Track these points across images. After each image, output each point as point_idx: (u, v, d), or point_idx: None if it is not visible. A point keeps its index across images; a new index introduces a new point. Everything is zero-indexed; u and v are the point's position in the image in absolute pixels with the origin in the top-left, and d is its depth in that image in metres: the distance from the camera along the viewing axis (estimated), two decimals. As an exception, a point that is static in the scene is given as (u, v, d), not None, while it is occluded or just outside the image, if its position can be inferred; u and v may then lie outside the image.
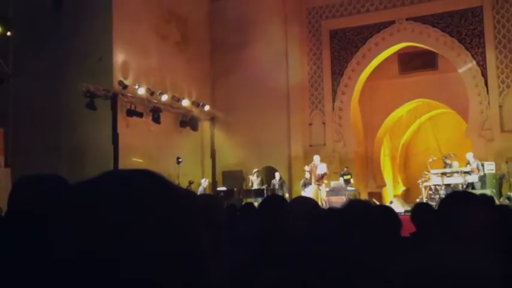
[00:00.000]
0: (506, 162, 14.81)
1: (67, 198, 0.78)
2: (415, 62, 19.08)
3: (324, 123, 18.43)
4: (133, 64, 16.51)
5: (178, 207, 0.79)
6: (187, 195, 0.83)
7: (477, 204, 2.54)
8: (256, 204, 8.05)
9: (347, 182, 16.08)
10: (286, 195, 15.17)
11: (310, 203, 3.25)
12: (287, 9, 19.04)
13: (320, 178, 15.23)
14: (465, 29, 16.74)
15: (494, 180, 14.29)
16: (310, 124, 18.64)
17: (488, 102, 16.23)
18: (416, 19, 17.34)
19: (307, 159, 17.02)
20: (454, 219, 2.50)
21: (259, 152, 18.32)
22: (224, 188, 16.98)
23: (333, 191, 15.42)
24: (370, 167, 19.40)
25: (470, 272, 1.09)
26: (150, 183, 0.79)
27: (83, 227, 0.73)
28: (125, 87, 15.85)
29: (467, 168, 14.34)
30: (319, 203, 13.65)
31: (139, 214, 0.74)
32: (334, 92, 18.38)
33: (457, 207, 2.52)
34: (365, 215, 3.12)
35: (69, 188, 0.81)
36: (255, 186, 16.59)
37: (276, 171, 17.28)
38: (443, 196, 13.66)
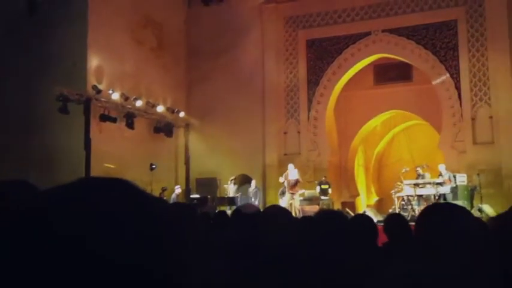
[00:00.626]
0: (478, 174, 14.98)
1: (33, 205, 0.75)
2: (390, 73, 19.26)
3: (299, 132, 18.45)
4: (107, 69, 16.33)
5: (149, 218, 0.76)
6: (159, 206, 0.80)
7: (457, 217, 2.51)
8: (229, 212, 7.96)
9: (324, 191, 16.06)
10: (256, 203, 15.06)
11: (283, 213, 3.19)
12: (264, 18, 19.07)
13: (294, 186, 15.20)
14: (440, 42, 16.95)
15: (465, 192, 14.44)
16: (285, 133, 18.65)
17: (461, 115, 16.43)
18: (392, 31, 17.52)
19: (282, 168, 17.01)
20: (433, 231, 2.47)
21: (234, 159, 18.25)
22: (197, 196, 16.85)
23: (307, 200, 15.40)
24: (344, 176, 19.47)
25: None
26: (123, 193, 0.77)
27: (48, 236, 0.70)
28: (99, 92, 15.66)
29: (440, 180, 14.46)
30: (293, 212, 13.67)
31: (109, 225, 0.72)
32: (309, 101, 18.43)
33: (437, 219, 2.49)
34: (337, 226, 3.08)
35: (37, 195, 0.77)
36: (231, 194, 16.50)
37: (252, 179, 17.22)
38: (417, 206, 13.78)
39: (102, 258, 0.70)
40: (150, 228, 0.75)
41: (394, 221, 4.75)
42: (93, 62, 16.03)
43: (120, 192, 0.77)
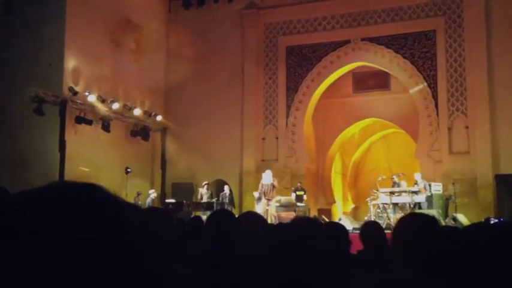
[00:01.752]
0: (453, 183, 15.11)
1: (3, 206, 0.75)
2: (369, 81, 19.37)
3: (277, 138, 18.44)
4: (84, 70, 16.15)
5: (122, 224, 0.77)
6: (130, 211, 0.81)
7: (426, 227, 2.50)
8: (204, 217, 7.87)
9: (299, 198, 16.02)
10: (229, 208, 14.94)
11: (258, 220, 3.13)
12: (244, 24, 19.05)
13: (269, 191, 15.10)
14: (418, 52, 17.10)
15: (440, 201, 14.53)
16: (264, 139, 18.61)
17: (438, 124, 16.57)
18: (371, 40, 17.62)
19: (259, 174, 16.96)
20: (405, 240, 2.46)
21: (211, 164, 18.15)
22: (173, 200, 16.69)
23: (283, 207, 15.35)
24: (320, 183, 19.49)
25: None
26: (96, 197, 0.77)
27: (19, 239, 0.70)
28: (75, 93, 15.49)
29: (415, 188, 14.53)
30: (269, 219, 13.60)
31: (81, 229, 0.72)
32: (288, 108, 18.43)
33: (409, 229, 2.48)
34: (311, 234, 3.03)
35: (7, 197, 0.78)
36: (204, 199, 16.39)
37: (226, 184, 17.14)
38: (392, 214, 13.83)
39: (70, 259, 0.69)
40: (118, 232, 0.75)
41: (370, 228, 4.73)
42: (70, 63, 15.83)
43: (91, 196, 0.77)
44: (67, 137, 15.15)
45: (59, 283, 0.69)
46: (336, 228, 4.05)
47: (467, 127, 16.28)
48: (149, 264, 0.77)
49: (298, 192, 16.22)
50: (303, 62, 18.47)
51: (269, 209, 14.98)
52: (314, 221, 3.31)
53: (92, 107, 16.10)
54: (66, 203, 0.74)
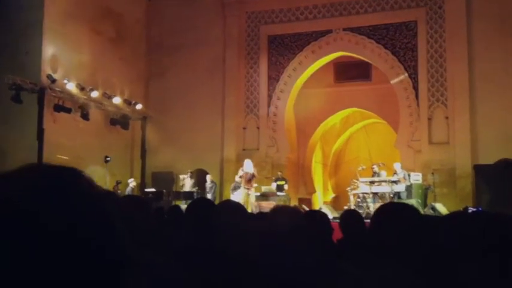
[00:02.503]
0: (432, 173, 15.23)
1: None
2: (350, 71, 19.39)
3: (258, 128, 18.41)
4: (63, 58, 15.93)
5: (97, 209, 0.76)
6: (108, 197, 0.80)
7: (405, 216, 2.49)
8: (184, 207, 7.81)
9: (280, 187, 16.04)
10: (211, 197, 14.92)
11: (236, 208, 3.09)
12: (226, 13, 18.93)
13: (249, 181, 15.05)
14: (399, 42, 17.15)
15: (420, 191, 14.64)
16: (245, 128, 18.57)
17: (418, 114, 16.66)
18: (353, 30, 17.63)
19: (240, 163, 16.92)
20: (383, 230, 2.45)
21: (192, 154, 18.07)
22: (153, 190, 16.61)
23: (263, 196, 15.35)
24: (301, 173, 19.53)
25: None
26: (71, 181, 0.77)
27: None
28: (54, 81, 15.29)
29: (395, 178, 14.63)
30: (249, 208, 13.58)
31: (53, 212, 0.71)
32: (269, 97, 18.40)
33: (387, 218, 2.47)
34: (291, 222, 3.00)
35: None
36: (187, 188, 16.33)
37: (207, 174, 17.09)
38: (372, 203, 13.91)
39: (40, 242, 0.68)
40: (92, 215, 0.74)
41: (350, 217, 4.74)
42: (48, 51, 15.61)
43: (65, 179, 0.76)
44: (45, 125, 14.97)
45: (30, 266, 0.68)
46: (317, 216, 4.03)
47: (447, 118, 16.40)
48: (125, 251, 0.76)
49: (279, 182, 16.23)
50: (284, 52, 18.43)
51: (249, 198, 14.96)
52: (294, 210, 3.29)
53: (70, 95, 15.92)
54: (39, 185, 0.73)
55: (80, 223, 0.72)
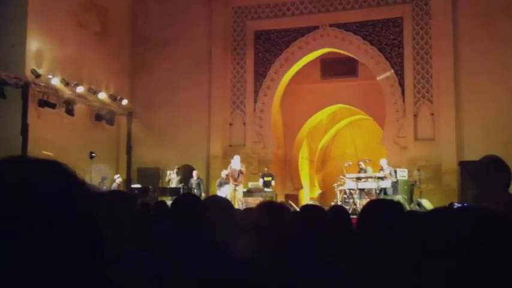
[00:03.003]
0: (418, 169, 15.30)
1: None
2: (337, 68, 19.40)
3: (244, 124, 18.36)
4: (48, 53, 15.75)
5: (80, 201, 0.76)
6: (91, 190, 0.80)
7: (390, 213, 2.50)
8: (170, 203, 7.75)
9: (267, 183, 16.03)
10: (203, 195, 14.92)
11: (223, 204, 3.05)
12: (212, 7, 18.84)
13: (237, 178, 15.09)
14: (386, 39, 17.18)
15: (406, 187, 14.72)
16: (231, 124, 18.52)
17: (404, 111, 16.72)
18: (339, 26, 17.63)
19: (226, 159, 16.91)
20: (370, 227, 2.46)
21: (178, 150, 17.98)
22: (139, 186, 16.51)
23: (250, 192, 15.34)
24: (288, 169, 19.53)
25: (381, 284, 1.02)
26: (53, 173, 0.77)
27: None
28: (38, 76, 15.13)
29: (381, 174, 14.68)
30: (236, 204, 13.57)
31: (35, 203, 0.71)
32: (256, 93, 18.36)
33: (374, 214, 2.47)
34: (276, 218, 2.98)
35: None
36: (174, 184, 16.26)
37: (194, 170, 17.03)
38: (358, 199, 13.95)
39: (30, 234, 0.68)
40: (78, 210, 0.74)
41: (336, 212, 4.72)
42: (33, 45, 15.42)
43: (51, 170, 0.76)
44: (30, 121, 14.80)
45: (14, 256, 0.68)
46: (312, 210, 3.98)
47: (432, 114, 16.48)
48: (108, 244, 0.76)
49: (266, 178, 16.23)
50: (271, 47, 18.38)
51: (236, 194, 14.97)
52: (280, 205, 3.26)
53: (55, 90, 15.75)
54: (22, 178, 0.72)
55: (63, 215, 0.71)
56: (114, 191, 9.89)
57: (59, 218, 0.71)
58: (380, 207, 2.58)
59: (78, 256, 0.71)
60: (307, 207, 4.34)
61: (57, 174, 0.77)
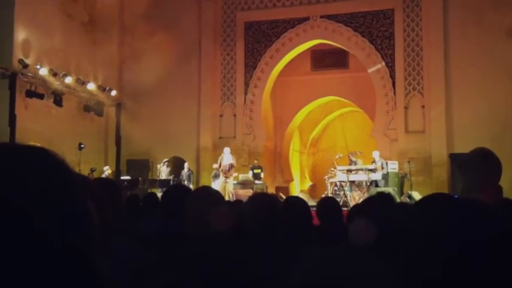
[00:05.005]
0: (409, 162, 15.30)
1: None
2: (327, 59, 19.37)
3: (234, 116, 18.28)
4: (35, 43, 15.57)
5: (66, 187, 0.73)
6: (78, 176, 0.78)
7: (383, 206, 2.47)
8: (160, 195, 7.68)
9: (257, 175, 16.01)
10: (192, 187, 14.86)
11: (213, 195, 2.98)
12: (202, -2, 18.69)
13: (228, 170, 15.08)
14: (376, 30, 17.12)
15: (396, 179, 14.74)
16: (221, 116, 18.43)
17: (395, 103, 16.71)
18: (330, 17, 17.55)
19: (216, 151, 16.84)
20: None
21: (167, 141, 17.88)
22: (128, 177, 16.40)
23: (240, 184, 15.31)
24: (278, 161, 19.50)
25: (366, 276, 1.03)
26: (40, 159, 0.74)
27: None
28: (26, 66, 14.96)
29: (372, 166, 14.68)
30: (226, 196, 13.52)
31: (21, 190, 0.68)
32: (246, 85, 18.27)
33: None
34: (269, 208, 2.93)
35: None
36: (163, 177, 16.19)
37: (185, 161, 16.95)
38: (349, 191, 13.94)
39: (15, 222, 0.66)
40: (65, 197, 0.71)
41: (327, 204, 4.71)
42: (20, 35, 15.24)
43: (36, 157, 0.74)
44: (17, 112, 14.67)
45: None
46: (296, 203, 3.95)
47: (423, 106, 16.48)
48: (95, 233, 0.74)
49: (255, 170, 16.21)
50: (261, 39, 18.28)
51: (227, 186, 14.93)
52: (272, 197, 3.21)
53: (43, 80, 15.60)
54: (8, 165, 0.70)
55: (48, 202, 0.69)
56: (101, 178, 9.79)
57: (45, 212, 0.68)
58: (372, 201, 2.55)
59: (62, 246, 0.68)
60: (290, 199, 4.30)
61: (43, 162, 0.73)
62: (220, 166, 15.43)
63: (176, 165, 17.35)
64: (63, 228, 0.69)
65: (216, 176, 15.46)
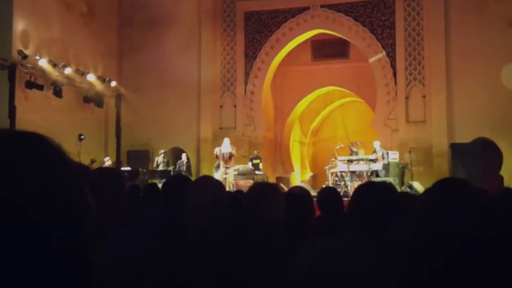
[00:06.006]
0: (409, 152, 15.28)
1: None
2: (328, 49, 19.30)
3: (235, 106, 18.23)
4: (34, 33, 15.51)
5: (63, 176, 0.70)
6: (75, 164, 0.76)
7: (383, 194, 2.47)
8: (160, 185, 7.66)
9: (256, 166, 16.03)
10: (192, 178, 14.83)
11: (214, 184, 2.96)
12: (201, -13, 18.59)
13: (228, 160, 15.04)
14: (377, 20, 17.04)
15: (397, 169, 14.73)
16: (221, 106, 18.39)
17: (396, 93, 16.65)
18: (330, 7, 17.46)
19: (217, 142, 16.80)
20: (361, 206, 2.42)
21: (168, 132, 17.85)
22: (128, 168, 16.38)
23: (240, 175, 15.31)
24: (279, 152, 19.48)
25: (365, 266, 1.03)
26: (34, 147, 0.71)
27: None
28: (25, 57, 14.91)
29: (373, 156, 14.67)
30: (227, 187, 13.50)
31: (15, 180, 0.65)
32: (246, 75, 18.21)
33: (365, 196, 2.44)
34: (269, 198, 2.91)
35: None
36: (161, 168, 16.19)
37: (183, 152, 16.93)
38: (350, 182, 13.93)
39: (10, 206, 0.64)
40: (57, 182, 0.69)
41: (328, 194, 4.70)
42: (19, 25, 15.17)
43: (31, 144, 0.71)
44: (17, 103, 14.64)
45: None
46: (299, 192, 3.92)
47: (424, 96, 16.43)
48: (94, 222, 0.72)
49: (254, 161, 16.24)
50: (261, 29, 18.20)
51: (227, 177, 14.92)
52: (272, 186, 3.18)
53: (42, 71, 15.55)
54: (11, 148, 0.68)
55: (44, 192, 0.66)
56: (101, 168, 9.76)
57: (40, 202, 0.65)
58: (371, 190, 2.54)
59: (60, 235, 0.66)
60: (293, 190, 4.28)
61: (38, 150, 0.70)
62: (219, 156, 15.38)
63: (175, 155, 17.34)
64: (60, 219, 0.67)
65: (218, 167, 15.46)
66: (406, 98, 16.56)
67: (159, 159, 16.37)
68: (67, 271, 0.67)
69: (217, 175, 14.68)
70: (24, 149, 0.70)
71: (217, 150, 15.40)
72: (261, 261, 2.26)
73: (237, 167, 15.50)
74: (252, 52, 18.22)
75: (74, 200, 0.70)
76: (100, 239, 0.74)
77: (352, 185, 14.26)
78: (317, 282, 1.01)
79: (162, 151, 16.56)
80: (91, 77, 17.23)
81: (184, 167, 16.18)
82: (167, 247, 2.40)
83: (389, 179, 13.28)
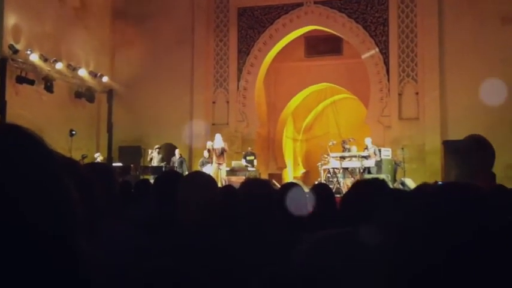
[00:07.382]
0: (402, 148, 15.28)
1: None
2: (321, 46, 19.27)
3: (227, 102, 18.19)
4: (26, 28, 15.39)
5: (43, 167, 0.69)
6: (56, 155, 0.75)
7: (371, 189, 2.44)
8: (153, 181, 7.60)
9: (250, 162, 16.00)
10: (186, 174, 14.77)
11: (205, 180, 2.91)
12: (195, -17, 18.50)
13: (220, 156, 14.96)
14: (370, 17, 17.02)
15: (389, 166, 14.73)
16: (214, 102, 18.33)
17: (389, 90, 16.65)
18: (324, 3, 17.43)
19: (209, 138, 16.73)
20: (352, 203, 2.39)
21: (160, 128, 17.77)
22: (120, 164, 16.30)
23: (233, 171, 15.27)
24: (271, 148, 19.46)
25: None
26: (13, 138, 0.70)
27: None
28: (16, 51, 14.82)
29: (365, 153, 14.65)
30: (219, 183, 13.45)
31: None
32: (239, 71, 18.16)
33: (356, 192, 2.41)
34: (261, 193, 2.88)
35: None
36: (155, 163, 16.10)
37: (176, 148, 16.87)
38: (342, 178, 13.91)
39: None
40: (37, 173, 0.68)
41: (320, 189, 4.67)
42: (10, 19, 15.04)
43: (8, 136, 0.70)
44: (7, 98, 14.56)
45: None
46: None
47: (417, 93, 16.44)
48: (79, 217, 0.70)
49: (248, 157, 16.19)
50: (254, 25, 18.15)
51: (219, 173, 14.86)
52: (264, 183, 3.14)
53: (33, 66, 15.45)
54: None
55: (24, 184, 0.65)
56: (92, 163, 9.67)
57: (20, 193, 0.64)
58: (363, 186, 2.52)
59: (44, 231, 0.65)
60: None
61: (17, 142, 0.69)
62: (211, 152, 15.31)
63: (168, 152, 17.26)
64: (41, 210, 0.65)
65: (204, 164, 15.38)
66: (399, 94, 16.56)
67: (154, 154, 16.27)
68: (49, 261, 0.65)
69: (209, 170, 14.62)
70: (2, 142, 0.69)
71: (209, 145, 15.31)
72: (254, 256, 2.22)
73: (233, 164, 15.48)
74: (245, 48, 18.16)
75: (52, 191, 0.68)
76: (87, 231, 0.72)
77: (344, 182, 14.25)
78: (310, 276, 0.97)
79: (157, 147, 16.48)
80: (82, 72, 17.13)
81: (177, 162, 16.10)
82: (159, 242, 2.37)
83: (382, 176, 13.27)
